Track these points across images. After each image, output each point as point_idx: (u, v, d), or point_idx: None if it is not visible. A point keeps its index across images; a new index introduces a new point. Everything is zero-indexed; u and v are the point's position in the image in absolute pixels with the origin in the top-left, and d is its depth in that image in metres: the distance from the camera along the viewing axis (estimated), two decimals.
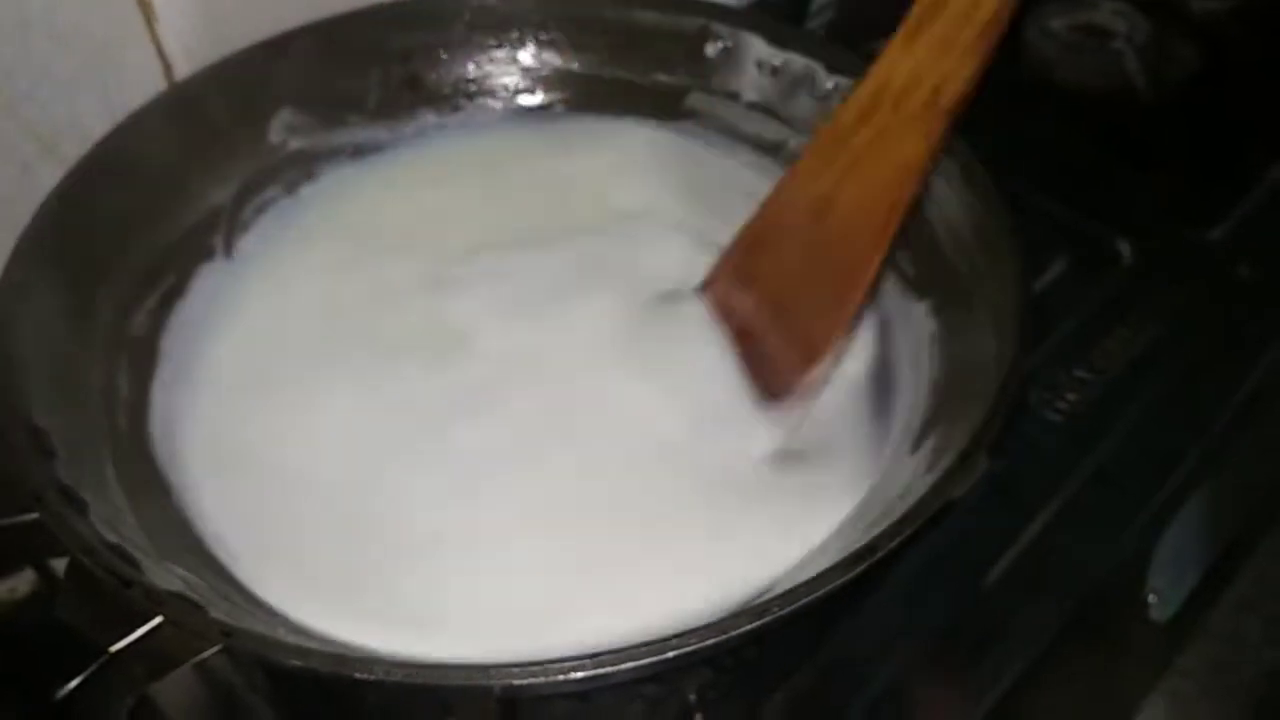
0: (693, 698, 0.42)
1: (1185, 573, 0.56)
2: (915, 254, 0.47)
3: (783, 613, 0.30)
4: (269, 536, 0.42)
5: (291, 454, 0.44)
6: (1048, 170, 0.66)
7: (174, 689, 0.43)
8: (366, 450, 0.45)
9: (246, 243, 0.52)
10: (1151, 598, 0.52)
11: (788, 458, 0.45)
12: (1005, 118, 0.69)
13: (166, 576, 0.35)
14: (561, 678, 0.28)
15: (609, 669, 0.29)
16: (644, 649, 0.29)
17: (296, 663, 0.29)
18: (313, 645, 0.32)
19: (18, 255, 0.42)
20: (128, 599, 0.31)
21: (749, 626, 0.30)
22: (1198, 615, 0.59)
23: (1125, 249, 0.61)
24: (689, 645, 0.30)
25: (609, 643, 0.29)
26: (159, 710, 0.43)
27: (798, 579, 0.37)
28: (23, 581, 0.40)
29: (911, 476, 0.39)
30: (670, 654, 0.29)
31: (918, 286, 0.48)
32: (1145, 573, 0.51)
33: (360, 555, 0.42)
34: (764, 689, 0.43)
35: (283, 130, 0.54)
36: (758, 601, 0.33)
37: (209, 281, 0.50)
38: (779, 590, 0.37)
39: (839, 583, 0.31)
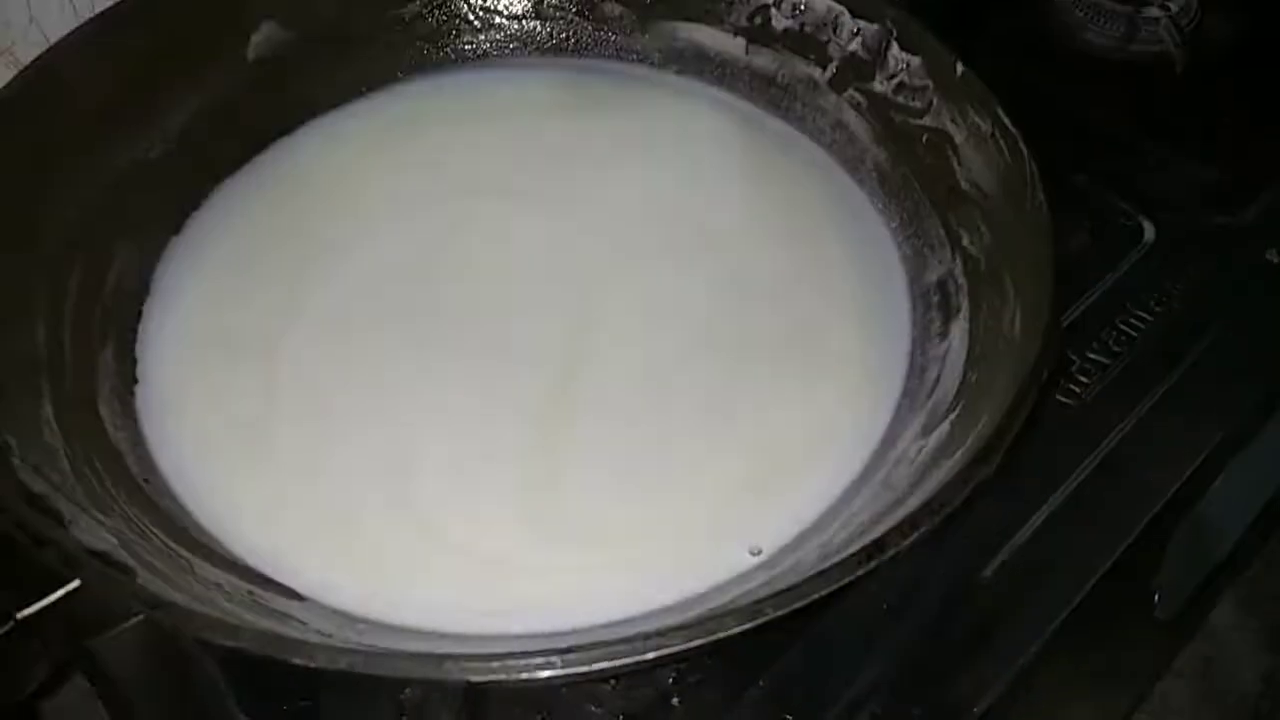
0: (670, 681, 0.40)
1: (1192, 571, 0.54)
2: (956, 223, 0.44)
3: (776, 614, 0.27)
4: (234, 477, 0.39)
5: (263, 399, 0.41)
6: (1072, 139, 0.62)
7: (124, 651, 0.40)
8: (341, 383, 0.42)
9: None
10: (1156, 596, 0.50)
11: None
12: (1029, 81, 0.66)
13: (95, 532, 0.31)
14: (524, 676, 0.25)
15: (577, 669, 0.26)
16: (620, 647, 0.26)
17: (227, 641, 0.26)
18: (245, 621, 0.29)
19: None
20: (43, 560, 0.27)
21: (740, 627, 0.27)
22: (1203, 613, 0.57)
23: (1149, 227, 0.58)
24: (671, 646, 0.27)
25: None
26: (101, 665, 0.40)
27: (792, 563, 0.35)
28: None
29: (920, 463, 0.36)
30: (650, 654, 0.26)
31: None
32: (1153, 569, 0.49)
33: (328, 497, 0.39)
34: (747, 674, 0.40)
35: (263, 46, 0.49)
36: (748, 595, 0.30)
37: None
38: (774, 575, 0.34)
39: (840, 583, 0.28)
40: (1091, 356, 0.52)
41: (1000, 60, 0.66)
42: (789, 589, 0.28)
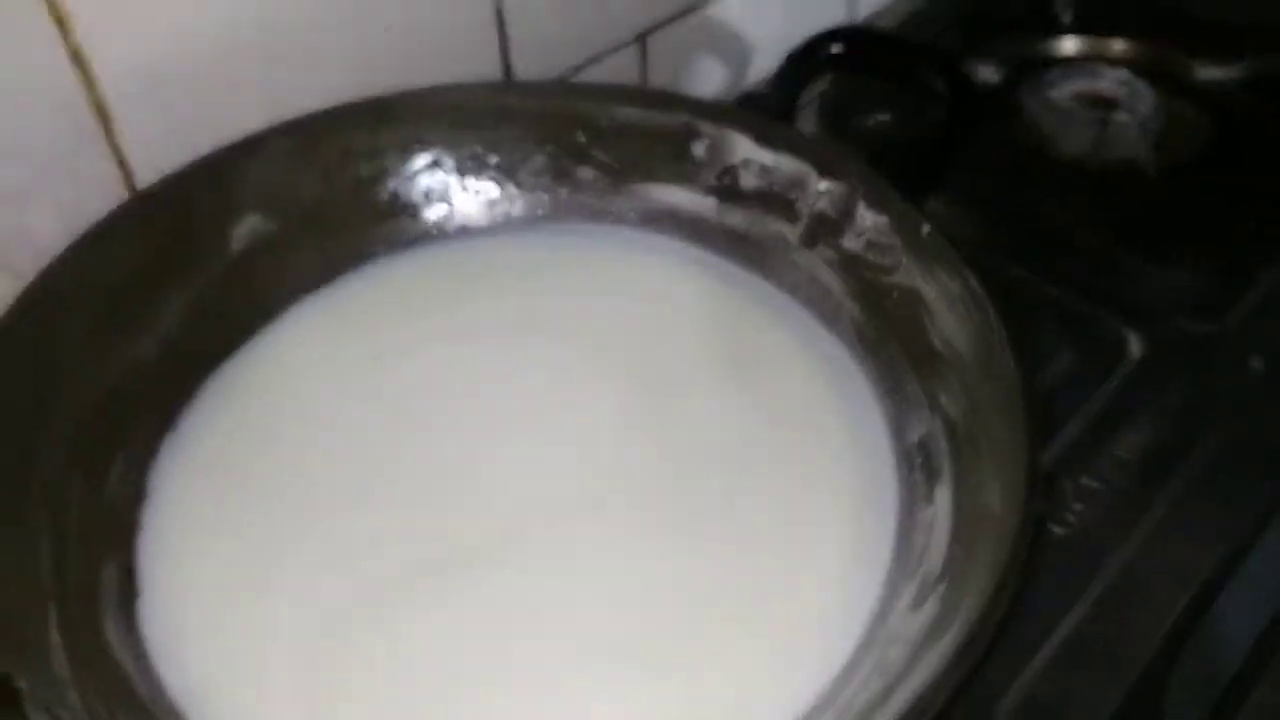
0: None
1: (1205, 692, 0.53)
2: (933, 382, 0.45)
3: None
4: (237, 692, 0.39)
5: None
6: (1048, 250, 0.64)
7: None
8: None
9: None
10: None
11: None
12: (1003, 192, 0.67)
13: None
14: None
15: None
16: None
17: None
18: None
19: None
20: None
21: None
22: None
23: (1133, 340, 0.59)
24: None
25: None
26: None
27: None
28: None
29: (914, 642, 0.36)
30: None
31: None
32: (1160, 703, 0.49)
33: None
34: None
35: (246, 238, 0.51)
36: None
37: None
38: None
39: None
40: (1084, 482, 0.52)
41: (973, 173, 0.68)
42: None
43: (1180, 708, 0.50)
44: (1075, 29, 0.78)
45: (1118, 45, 0.77)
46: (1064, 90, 0.72)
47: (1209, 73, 0.74)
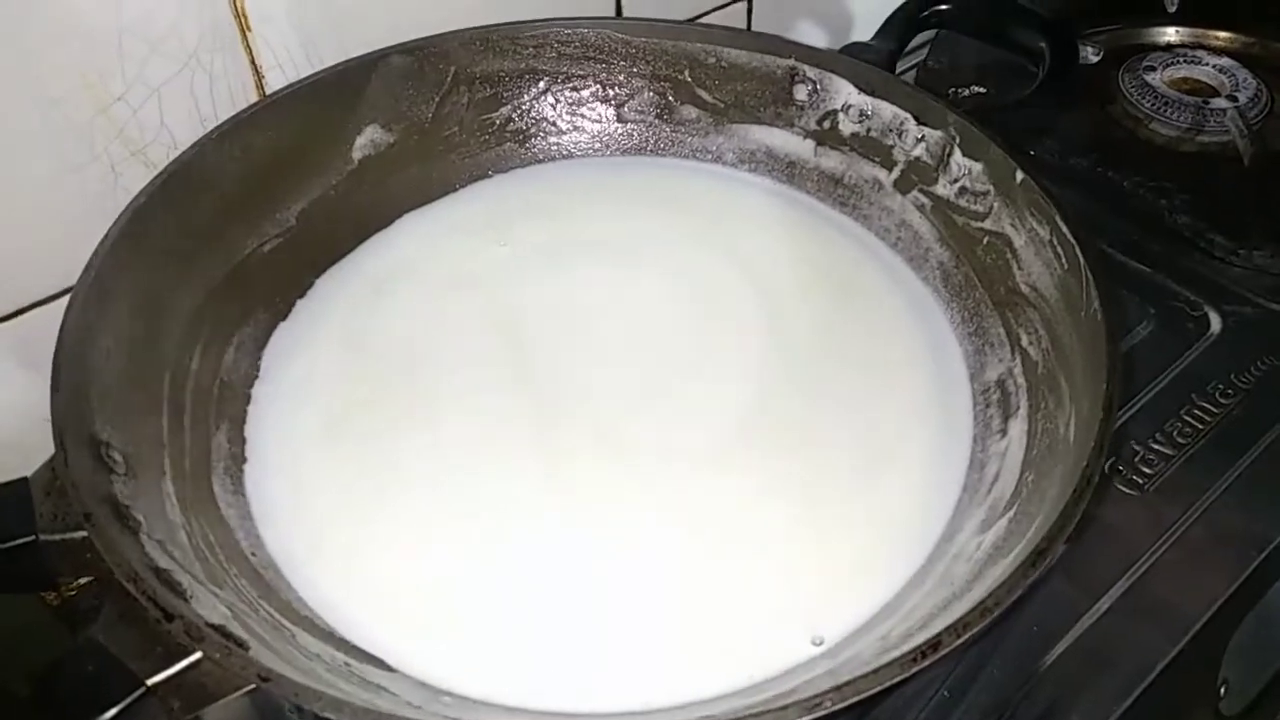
0: None
1: (1261, 666, 0.54)
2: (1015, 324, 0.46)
3: (835, 709, 0.29)
4: (332, 552, 0.42)
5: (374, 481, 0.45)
6: (1139, 230, 0.64)
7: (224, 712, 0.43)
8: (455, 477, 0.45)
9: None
10: (1222, 689, 0.50)
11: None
12: (1097, 171, 0.68)
13: (212, 606, 0.34)
14: None
15: None
16: None
17: (330, 714, 0.29)
18: (348, 695, 0.31)
19: (98, 262, 0.42)
20: (169, 631, 0.31)
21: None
22: (1272, 709, 0.57)
23: (1215, 318, 0.59)
24: None
25: None
26: None
27: (851, 655, 0.37)
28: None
29: (977, 560, 0.38)
30: None
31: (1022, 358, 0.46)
32: (1218, 662, 0.49)
33: (419, 574, 0.42)
34: None
35: (367, 148, 0.54)
36: (809, 685, 0.32)
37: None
38: (835, 666, 0.36)
39: (898, 679, 0.30)
40: (1155, 447, 0.53)
41: (1069, 151, 0.69)
42: (846, 683, 0.30)
43: (1236, 672, 0.50)
44: (1182, 18, 0.78)
45: (1223, 35, 0.76)
46: (1164, 75, 0.72)
47: None
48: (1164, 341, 0.58)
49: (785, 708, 0.29)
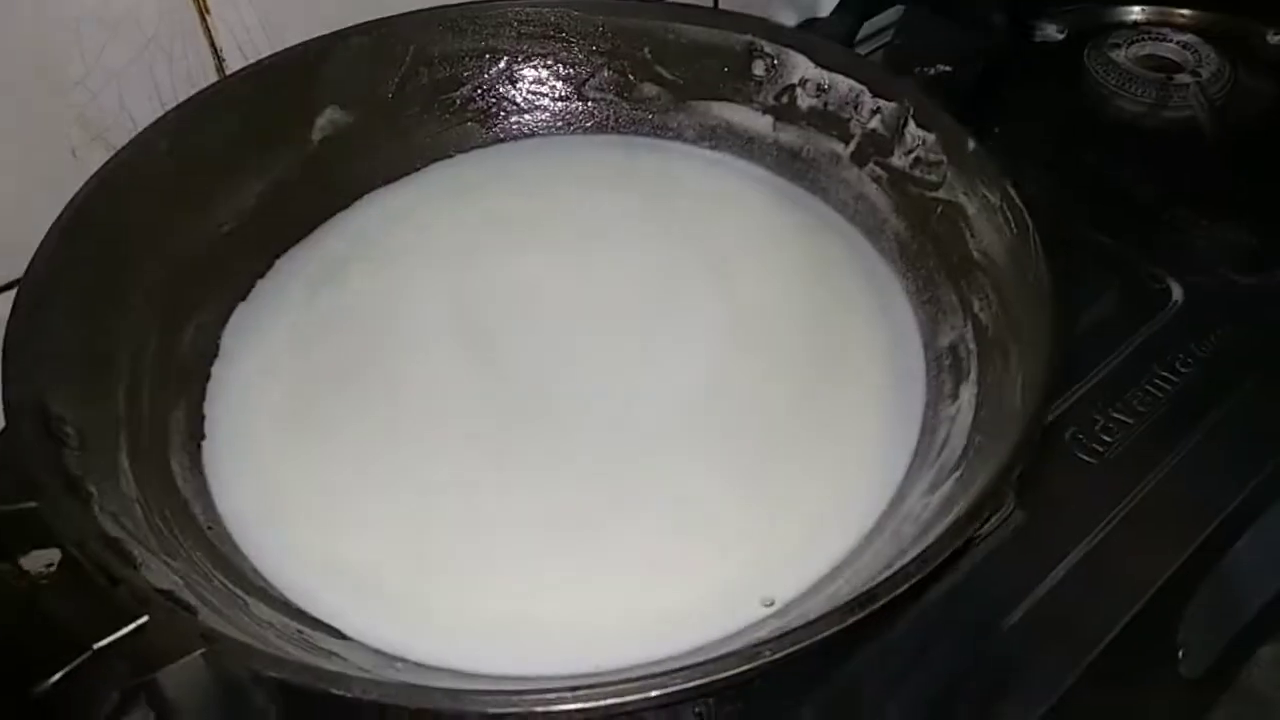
0: None
1: (1218, 629, 0.54)
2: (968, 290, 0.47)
3: (774, 657, 0.29)
4: (288, 526, 0.43)
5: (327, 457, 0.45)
6: (1103, 204, 0.65)
7: (186, 682, 0.43)
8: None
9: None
10: (1180, 652, 0.51)
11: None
12: (1063, 148, 0.68)
13: (164, 574, 0.35)
14: (538, 709, 0.28)
15: (585, 704, 0.28)
16: (627, 685, 0.29)
17: (272, 673, 0.29)
18: (289, 655, 0.32)
19: (53, 238, 0.43)
20: (116, 597, 0.31)
21: (737, 670, 0.29)
22: (1232, 673, 0.57)
23: (1177, 289, 0.59)
24: (673, 685, 0.29)
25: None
26: (165, 698, 0.43)
27: (799, 613, 0.37)
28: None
29: (924, 520, 0.38)
30: (653, 693, 0.29)
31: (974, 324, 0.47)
32: (1175, 626, 0.50)
33: (372, 546, 0.42)
34: (768, 717, 0.42)
35: (327, 128, 0.54)
36: (751, 638, 0.33)
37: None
38: (783, 624, 0.36)
39: (832, 631, 0.30)
40: (1116, 416, 0.53)
41: (1034, 126, 0.69)
42: (784, 634, 0.30)
43: (1195, 635, 0.51)
44: None
45: (1187, 12, 0.77)
46: (1129, 52, 0.72)
47: (1278, 37, 0.73)
48: (1127, 312, 0.58)
49: (725, 657, 0.30)
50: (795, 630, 0.30)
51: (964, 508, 0.34)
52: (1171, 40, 0.73)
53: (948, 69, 0.71)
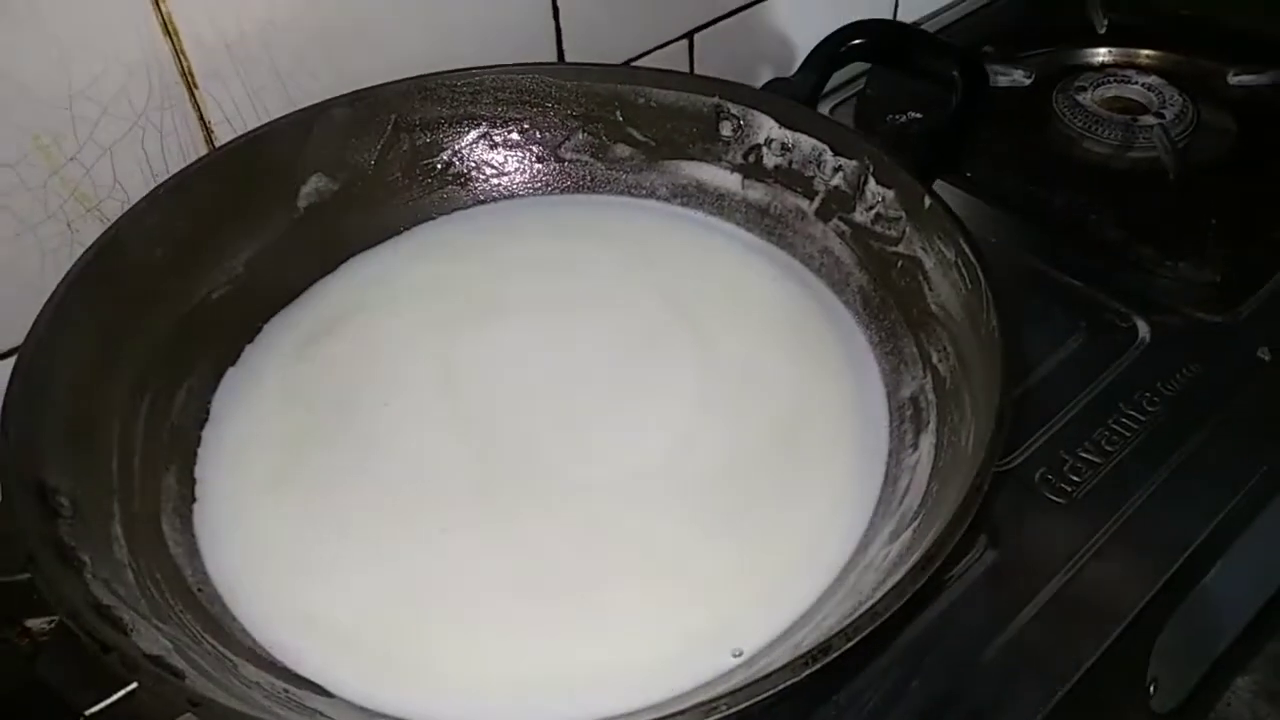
0: None
1: (1191, 662, 0.55)
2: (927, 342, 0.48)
3: (729, 711, 0.31)
4: (275, 588, 0.44)
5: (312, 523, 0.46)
6: (1071, 245, 0.66)
7: None
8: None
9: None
10: (1152, 687, 0.52)
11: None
12: (1031, 190, 0.70)
13: (154, 639, 0.36)
14: None
15: None
16: None
17: None
18: (276, 716, 0.33)
19: (49, 309, 0.44)
20: (107, 663, 0.32)
21: None
22: (1206, 705, 0.58)
23: (1143, 327, 0.61)
24: None
25: None
26: None
27: (766, 664, 0.39)
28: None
29: (884, 568, 0.40)
30: None
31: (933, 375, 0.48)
32: (1146, 660, 0.51)
33: (355, 608, 0.43)
34: None
35: (312, 195, 0.56)
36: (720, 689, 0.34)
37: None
38: (750, 674, 0.38)
39: (789, 683, 0.32)
40: (1084, 455, 0.55)
41: (1003, 169, 0.71)
42: (740, 688, 0.32)
43: (1166, 671, 0.52)
44: (1112, 39, 0.80)
45: (1150, 54, 0.79)
46: (1094, 95, 0.74)
47: (1241, 80, 0.75)
48: (1093, 352, 0.60)
49: (682, 712, 0.31)
50: (752, 684, 0.32)
51: (916, 559, 0.36)
52: (1136, 82, 0.75)
53: (918, 115, 0.74)
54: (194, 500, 0.47)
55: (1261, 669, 0.64)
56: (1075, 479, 0.54)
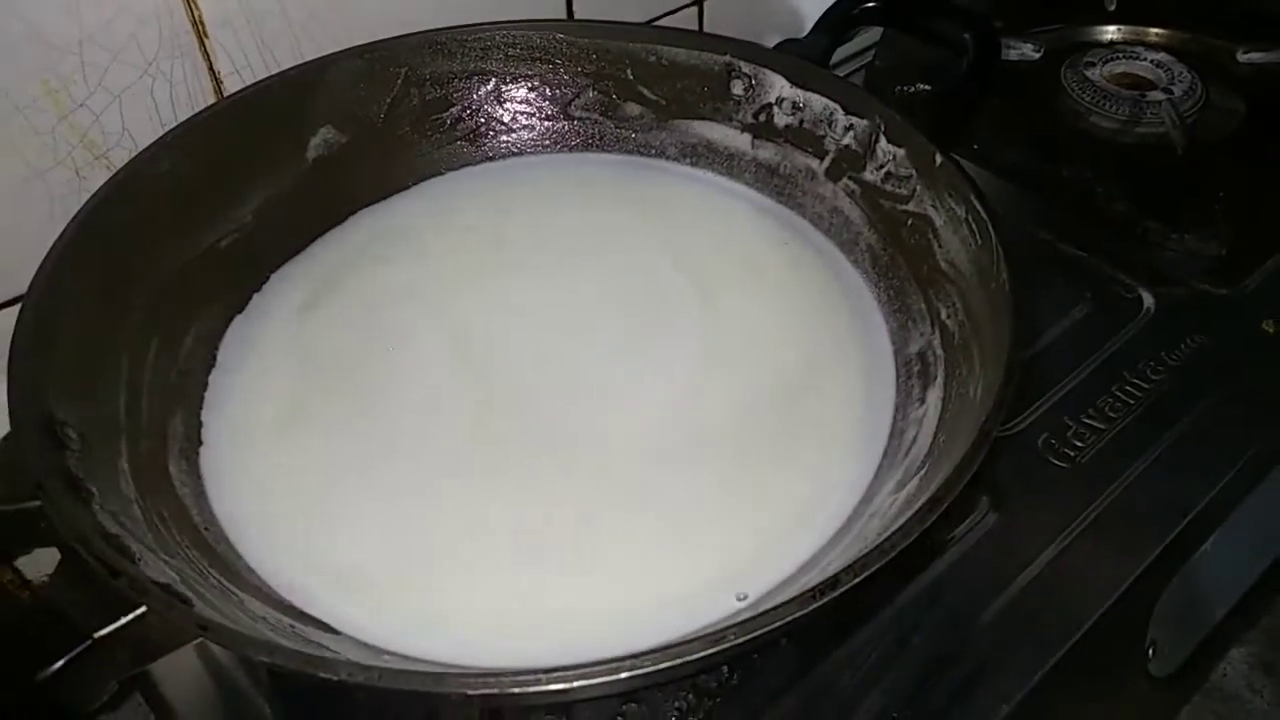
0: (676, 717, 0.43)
1: (1189, 628, 0.55)
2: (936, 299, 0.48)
3: (738, 641, 0.31)
4: (282, 527, 0.44)
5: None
6: (1078, 217, 0.66)
7: (180, 680, 0.45)
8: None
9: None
10: (1150, 651, 0.52)
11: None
12: (1037, 162, 0.70)
13: (160, 569, 0.36)
14: (514, 690, 0.30)
15: (559, 685, 0.30)
16: (597, 668, 0.30)
17: (264, 658, 0.31)
18: (282, 643, 0.33)
19: (57, 252, 0.44)
20: (115, 588, 0.32)
21: (703, 653, 0.31)
22: (1203, 672, 0.58)
23: (1148, 298, 0.61)
24: (642, 667, 0.31)
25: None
26: (165, 702, 0.45)
27: (769, 606, 0.39)
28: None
29: (889, 517, 0.40)
30: (623, 675, 0.30)
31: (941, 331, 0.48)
32: (1145, 625, 0.51)
33: (363, 546, 0.44)
34: (748, 713, 0.44)
35: (321, 147, 0.56)
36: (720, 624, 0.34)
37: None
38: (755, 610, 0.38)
39: (795, 616, 0.32)
40: (1087, 422, 0.55)
41: (1011, 142, 0.71)
42: (749, 620, 0.32)
43: (1165, 635, 0.52)
44: (1121, 16, 0.80)
45: (1160, 32, 0.79)
46: (1104, 70, 0.74)
47: (1249, 58, 0.75)
48: (1099, 322, 0.60)
49: (691, 641, 0.31)
50: (760, 615, 0.32)
51: (923, 502, 0.36)
52: (1144, 59, 0.75)
53: (926, 88, 0.74)
54: (200, 444, 0.47)
55: (1258, 641, 0.64)
56: (1078, 444, 0.54)
